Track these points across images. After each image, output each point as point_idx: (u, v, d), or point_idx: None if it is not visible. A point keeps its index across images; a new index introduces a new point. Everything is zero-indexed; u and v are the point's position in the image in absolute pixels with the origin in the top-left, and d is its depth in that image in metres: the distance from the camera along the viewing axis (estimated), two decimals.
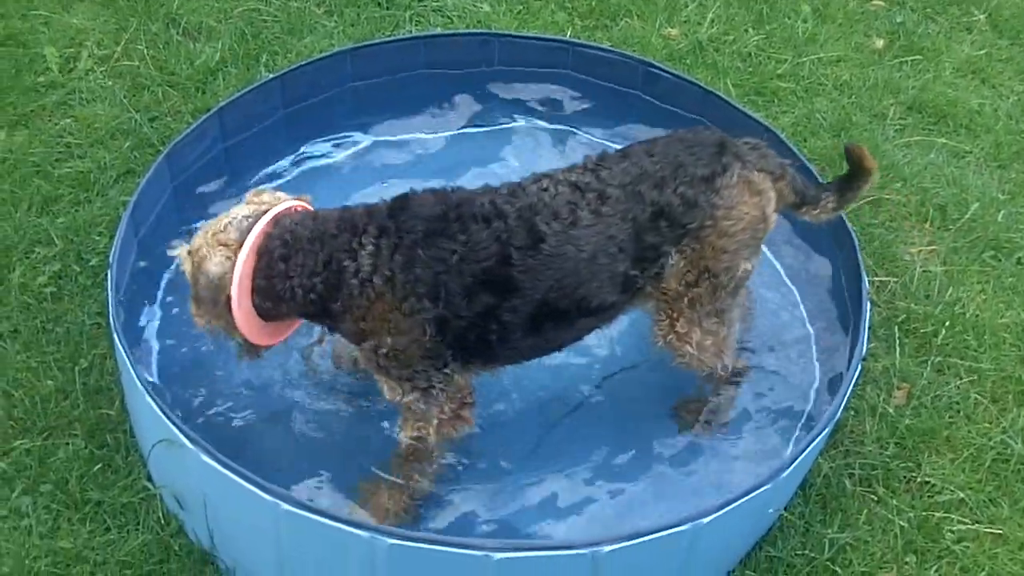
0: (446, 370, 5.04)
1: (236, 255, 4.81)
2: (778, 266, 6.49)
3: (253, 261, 4.85)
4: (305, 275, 4.84)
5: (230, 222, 4.89)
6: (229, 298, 4.83)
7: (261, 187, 5.19)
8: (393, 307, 4.85)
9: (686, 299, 5.20)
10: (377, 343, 4.93)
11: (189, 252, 4.95)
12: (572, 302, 5.01)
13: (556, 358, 5.62)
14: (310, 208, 5.09)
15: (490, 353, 5.12)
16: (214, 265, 4.81)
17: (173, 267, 6.08)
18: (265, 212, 4.91)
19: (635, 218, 4.98)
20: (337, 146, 6.91)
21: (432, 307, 4.85)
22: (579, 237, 4.92)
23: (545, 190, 4.98)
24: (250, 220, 4.88)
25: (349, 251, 4.85)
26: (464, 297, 4.87)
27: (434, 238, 4.84)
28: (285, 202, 5.02)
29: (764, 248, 6.32)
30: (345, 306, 4.89)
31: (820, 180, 5.91)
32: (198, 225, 5.15)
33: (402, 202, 4.96)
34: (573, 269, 4.93)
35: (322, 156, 6.85)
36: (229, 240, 4.84)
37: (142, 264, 5.82)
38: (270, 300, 4.93)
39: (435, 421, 5.19)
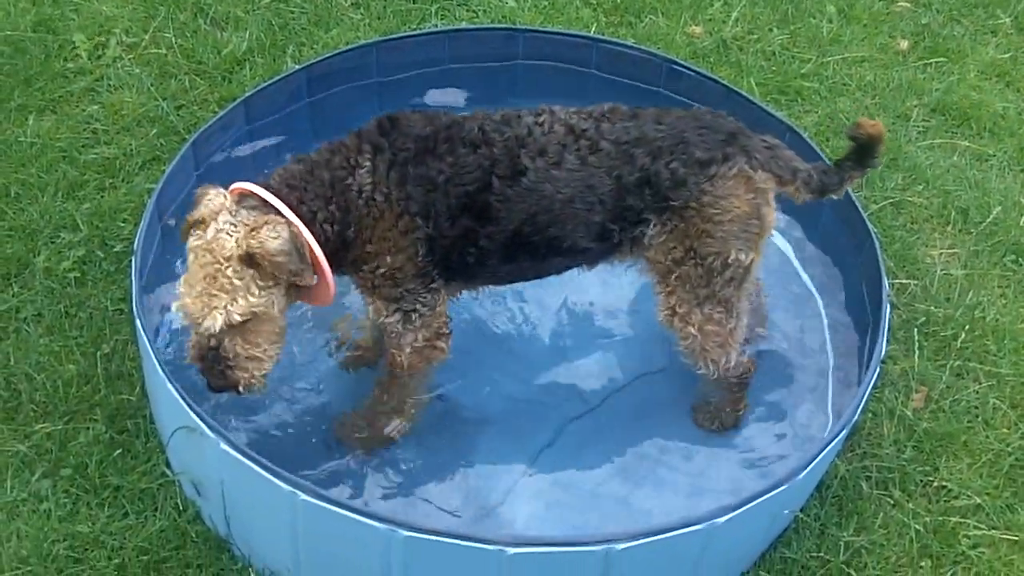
0: (433, 286, 5.12)
1: (270, 223, 4.67)
2: (797, 265, 6.50)
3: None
4: (322, 205, 4.85)
5: (217, 220, 4.75)
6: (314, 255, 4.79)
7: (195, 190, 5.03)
8: (392, 225, 4.91)
9: (675, 275, 5.24)
10: (377, 263, 4.99)
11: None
12: (544, 239, 5.10)
13: (576, 357, 5.65)
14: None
15: (469, 274, 5.22)
16: (273, 240, 4.63)
17: None
18: (234, 191, 4.87)
19: (620, 177, 5.05)
20: None
21: (423, 225, 4.94)
22: (559, 178, 4.99)
23: (540, 124, 5.04)
24: (229, 200, 4.82)
25: (347, 167, 4.91)
26: (448, 218, 4.96)
27: (424, 156, 4.92)
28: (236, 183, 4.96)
29: (783, 246, 6.38)
30: (356, 230, 4.93)
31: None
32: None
33: (392, 121, 5.02)
34: (548, 207, 5.01)
35: None
36: (247, 221, 4.71)
37: (166, 251, 5.84)
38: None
39: (408, 348, 5.24)
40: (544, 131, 5.02)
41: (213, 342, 4.71)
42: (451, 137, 4.96)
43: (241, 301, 4.62)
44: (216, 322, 4.61)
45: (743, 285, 5.34)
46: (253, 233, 4.59)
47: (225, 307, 4.61)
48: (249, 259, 4.59)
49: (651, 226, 5.13)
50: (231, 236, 4.62)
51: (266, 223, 4.61)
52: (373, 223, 4.90)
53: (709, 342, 5.39)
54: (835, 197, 5.42)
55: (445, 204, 4.92)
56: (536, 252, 5.15)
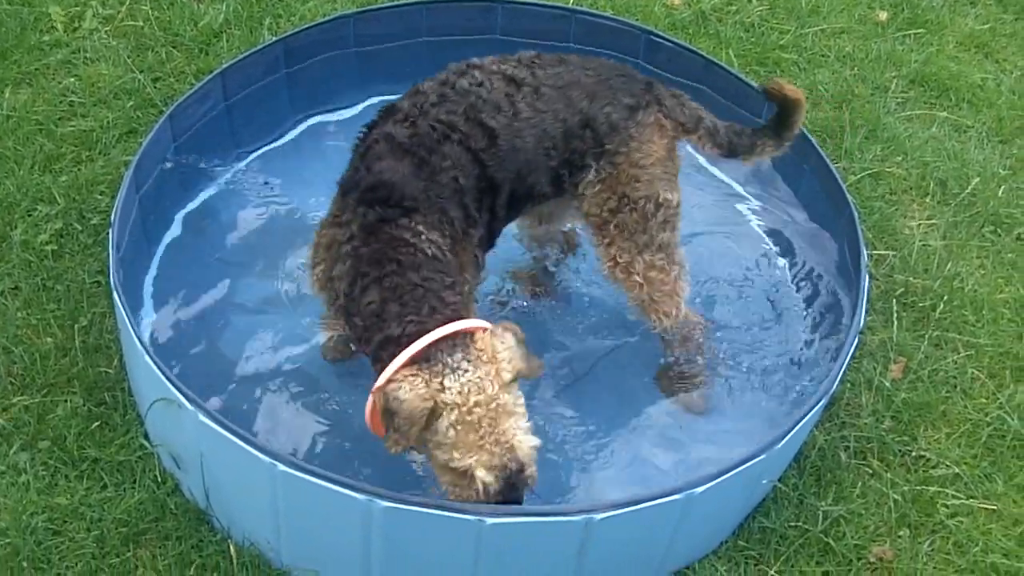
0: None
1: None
2: (772, 237, 6.53)
3: None
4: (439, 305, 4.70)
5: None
6: None
7: None
8: (466, 248, 4.94)
9: (613, 225, 5.32)
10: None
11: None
12: (525, 188, 5.15)
13: (560, 328, 5.69)
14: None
15: (489, 245, 5.25)
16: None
17: (173, 226, 6.12)
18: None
19: (566, 120, 5.12)
20: (338, 109, 6.93)
21: (475, 232, 4.97)
22: (522, 128, 5.02)
23: (480, 85, 5.02)
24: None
25: (408, 244, 4.71)
26: (478, 208, 4.97)
27: (435, 177, 4.83)
28: None
29: (759, 218, 6.42)
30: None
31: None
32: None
33: (377, 180, 4.81)
34: (524, 159, 5.05)
35: (323, 118, 6.87)
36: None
37: (143, 223, 5.83)
38: None
39: None
40: (488, 89, 5.02)
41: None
42: (425, 145, 4.87)
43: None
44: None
45: (677, 228, 5.43)
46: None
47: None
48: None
49: (591, 172, 5.22)
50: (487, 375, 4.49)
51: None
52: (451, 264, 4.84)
53: (656, 291, 5.44)
54: (746, 163, 5.60)
55: (472, 197, 4.93)
56: (519, 205, 5.22)
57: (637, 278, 5.39)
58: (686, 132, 5.35)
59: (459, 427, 4.38)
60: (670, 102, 5.31)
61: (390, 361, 4.45)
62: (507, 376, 4.46)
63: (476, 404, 4.38)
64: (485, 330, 4.54)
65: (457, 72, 5.10)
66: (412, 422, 4.35)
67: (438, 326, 4.45)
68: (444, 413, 4.37)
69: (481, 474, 4.42)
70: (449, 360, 4.42)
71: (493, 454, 4.42)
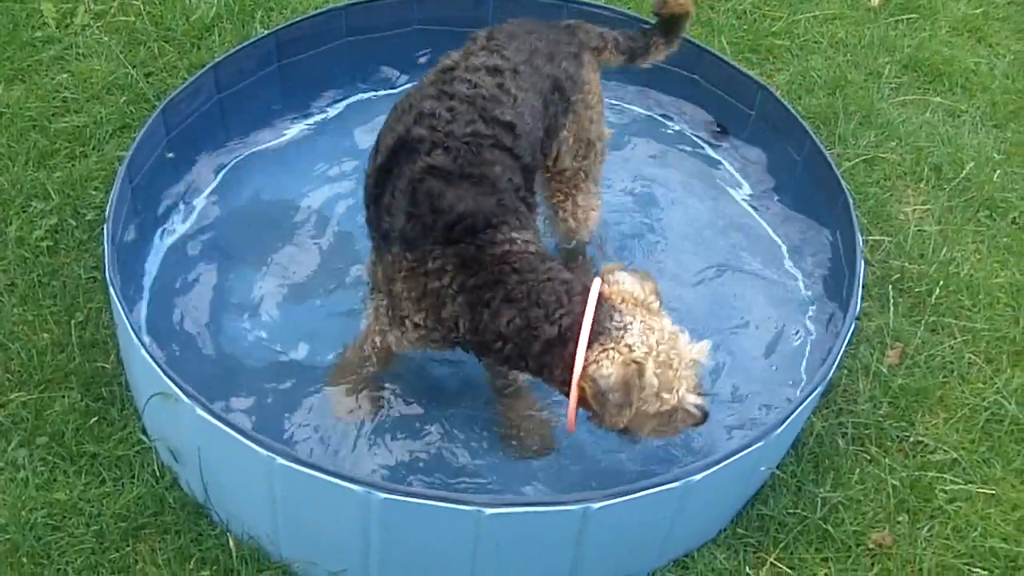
0: None
1: None
2: (768, 225, 6.52)
3: None
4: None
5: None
6: None
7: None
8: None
9: (581, 173, 5.53)
10: None
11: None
12: (534, 165, 5.17)
13: None
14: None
15: None
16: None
17: (168, 221, 6.11)
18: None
19: (542, 89, 5.18)
20: (332, 102, 6.93)
21: (535, 218, 5.05)
22: (523, 112, 5.03)
23: (475, 86, 4.98)
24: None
25: (513, 253, 4.70)
26: (529, 197, 4.99)
27: (496, 186, 4.78)
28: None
29: (754, 205, 6.42)
30: None
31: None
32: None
33: (454, 218, 4.70)
34: (533, 138, 5.08)
35: (317, 111, 6.87)
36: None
37: (137, 218, 5.83)
38: None
39: None
40: (487, 87, 5.00)
41: None
42: (470, 163, 4.79)
43: None
44: None
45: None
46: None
47: None
48: None
49: (564, 129, 5.39)
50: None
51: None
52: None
53: (591, 218, 5.73)
54: (643, 65, 5.80)
55: (524, 194, 4.93)
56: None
57: (580, 215, 5.63)
58: (599, 54, 5.59)
59: (659, 371, 4.48)
60: (585, 36, 5.56)
61: (563, 362, 4.53)
62: (655, 306, 4.66)
63: (659, 343, 4.51)
64: (604, 285, 4.64)
65: (442, 80, 5.04)
66: (628, 390, 4.43)
67: (582, 306, 4.51)
68: (647, 367, 4.45)
69: (691, 400, 4.61)
70: (614, 324, 4.51)
71: (689, 378, 4.59)
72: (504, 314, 4.58)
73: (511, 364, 4.77)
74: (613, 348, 4.46)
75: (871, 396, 5.76)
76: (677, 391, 4.55)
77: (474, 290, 4.62)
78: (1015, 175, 7.03)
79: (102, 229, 5.46)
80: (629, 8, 7.35)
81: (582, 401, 4.54)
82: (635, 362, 4.43)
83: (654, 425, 4.68)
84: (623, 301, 4.58)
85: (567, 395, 4.54)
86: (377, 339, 5.20)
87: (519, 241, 4.67)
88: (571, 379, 4.48)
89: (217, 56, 6.55)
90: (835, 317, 5.85)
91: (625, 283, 4.64)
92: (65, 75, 6.99)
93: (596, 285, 4.58)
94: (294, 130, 6.75)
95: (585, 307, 4.50)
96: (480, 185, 4.71)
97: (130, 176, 5.65)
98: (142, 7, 7.42)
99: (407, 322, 4.86)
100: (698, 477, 4.58)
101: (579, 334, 4.46)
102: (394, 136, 4.89)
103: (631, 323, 4.51)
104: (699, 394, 4.64)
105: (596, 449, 5.43)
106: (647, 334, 4.51)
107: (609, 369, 4.42)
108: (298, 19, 6.67)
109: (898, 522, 5.33)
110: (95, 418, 5.35)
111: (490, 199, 4.69)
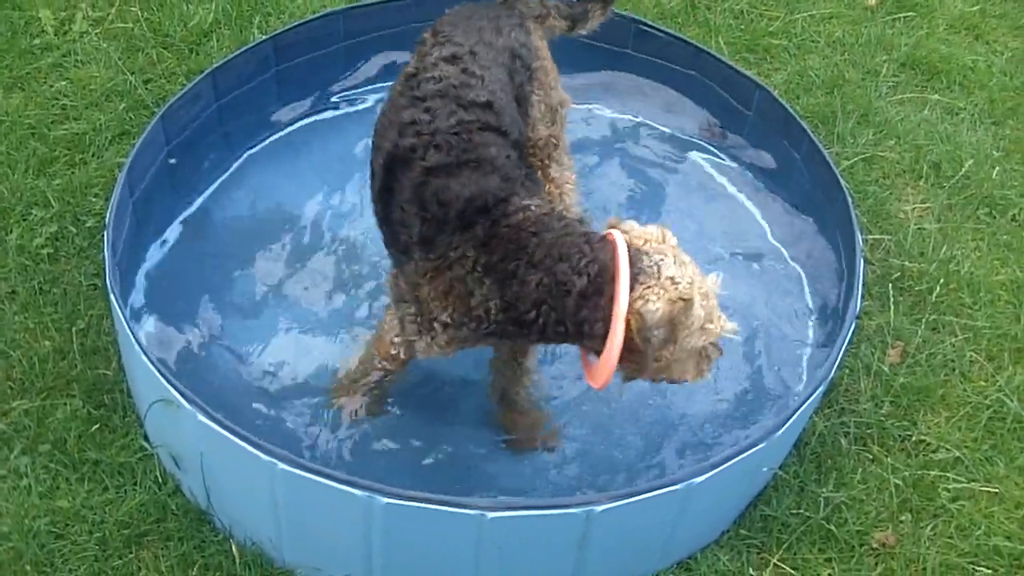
0: None
1: None
2: (767, 225, 6.52)
3: None
4: None
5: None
6: None
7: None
8: None
9: (552, 140, 5.56)
10: None
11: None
12: (522, 137, 5.21)
13: None
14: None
15: None
16: None
17: (168, 227, 6.11)
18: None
19: (504, 62, 5.21)
20: (332, 105, 6.93)
21: None
22: (495, 89, 5.03)
23: (440, 80, 4.95)
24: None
25: (529, 219, 4.69)
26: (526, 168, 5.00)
27: (495, 164, 4.78)
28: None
29: (753, 205, 6.42)
30: None
31: None
32: None
33: (464, 204, 4.70)
34: (511, 113, 5.08)
35: (316, 115, 6.88)
36: None
37: (137, 225, 5.83)
38: None
39: None
40: (454, 76, 4.98)
41: None
42: (464, 151, 4.79)
43: None
44: None
45: None
46: None
47: None
48: None
49: (533, 95, 5.42)
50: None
51: None
52: None
53: (567, 192, 5.75)
54: (582, 32, 5.84)
55: (522, 166, 4.93)
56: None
57: (556, 190, 5.65)
58: (543, 20, 5.64)
59: (703, 303, 4.46)
60: (525, 7, 5.61)
61: (600, 312, 4.46)
62: (674, 241, 4.60)
63: (694, 275, 4.50)
64: (620, 232, 4.62)
65: (409, 88, 5.01)
66: (675, 323, 4.40)
67: (605, 252, 4.50)
68: (695, 299, 4.43)
69: (729, 328, 4.61)
70: (646, 263, 4.46)
71: (719, 306, 4.60)
72: (531, 278, 4.51)
73: (548, 335, 4.66)
74: (656, 284, 4.41)
75: (873, 395, 5.76)
76: (720, 320, 4.57)
77: (498, 266, 4.57)
78: (1014, 172, 7.03)
79: (102, 236, 5.47)
80: (625, 10, 7.35)
81: (624, 351, 4.45)
82: (682, 296, 4.40)
83: (692, 363, 4.65)
84: (646, 242, 4.56)
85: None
86: (400, 349, 5.15)
87: (532, 207, 4.64)
88: (609, 330, 4.41)
89: (215, 61, 6.56)
90: (835, 316, 5.84)
91: (638, 228, 4.62)
92: (64, 82, 7.00)
93: (617, 233, 4.57)
94: (293, 134, 6.75)
95: (608, 254, 4.47)
96: (480, 168, 4.70)
97: (130, 183, 5.65)
98: (140, 14, 7.43)
99: (436, 324, 4.80)
100: (701, 479, 4.59)
101: (612, 280, 4.41)
102: (384, 154, 4.89)
103: (663, 260, 4.46)
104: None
105: (599, 451, 5.44)
106: (683, 268, 4.48)
107: (656, 304, 4.36)
108: (296, 23, 6.67)
109: (901, 521, 5.33)
110: (97, 425, 5.35)
111: (492, 177, 4.68)
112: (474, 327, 4.73)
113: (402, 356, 5.18)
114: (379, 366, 5.28)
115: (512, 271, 4.54)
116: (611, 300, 4.39)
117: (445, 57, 5.06)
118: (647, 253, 4.48)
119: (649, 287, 4.39)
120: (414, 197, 4.72)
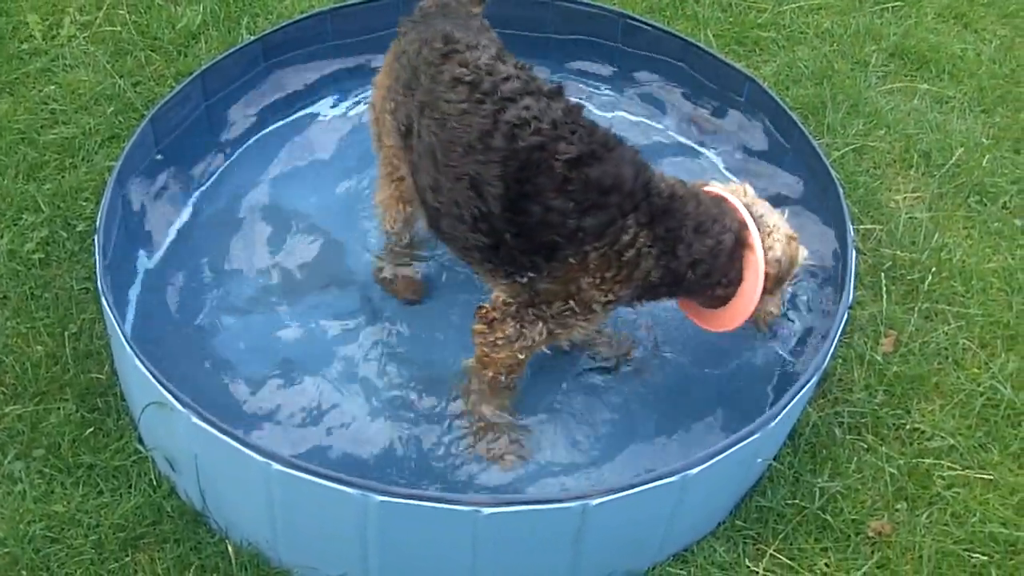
0: None
1: None
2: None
3: None
4: None
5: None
6: None
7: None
8: None
9: None
10: None
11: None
12: None
13: None
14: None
15: None
16: None
17: (159, 230, 6.10)
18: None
19: (483, 30, 5.30)
20: (321, 105, 6.92)
21: None
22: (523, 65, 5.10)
23: (513, 77, 4.89)
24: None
25: (674, 194, 4.97)
26: None
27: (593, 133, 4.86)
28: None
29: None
30: None
31: None
32: None
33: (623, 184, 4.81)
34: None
35: (305, 115, 6.87)
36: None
37: (128, 228, 5.83)
38: None
39: None
40: (509, 72, 4.92)
41: None
42: (587, 141, 4.80)
43: None
44: None
45: None
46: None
47: None
48: None
49: None
50: None
51: None
52: None
53: None
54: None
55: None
56: None
57: None
58: (480, 3, 5.56)
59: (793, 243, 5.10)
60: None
61: (739, 263, 5.01)
62: (752, 192, 5.22)
63: (779, 218, 5.13)
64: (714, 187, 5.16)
65: (475, 93, 4.86)
66: (792, 263, 5.10)
67: (726, 211, 5.00)
68: (797, 238, 5.12)
69: (804, 254, 5.24)
70: (755, 215, 5.04)
71: None
72: (696, 242, 4.88)
73: (697, 291, 5.12)
74: (771, 232, 5.00)
75: (866, 385, 5.77)
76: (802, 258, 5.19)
77: (668, 235, 4.86)
78: (1004, 160, 7.03)
79: (93, 240, 5.47)
80: (613, 4, 7.36)
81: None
82: (791, 237, 5.06)
83: (776, 300, 5.37)
84: (735, 196, 5.06)
85: (724, 303, 5.14)
86: (526, 353, 5.19)
87: (666, 178, 4.96)
88: (744, 278, 5.01)
89: (204, 63, 6.55)
90: (828, 306, 5.84)
91: (728, 186, 5.18)
92: (52, 87, 7.00)
93: (727, 193, 5.07)
94: (282, 135, 6.74)
95: (728, 211, 4.99)
96: (611, 149, 4.83)
97: (120, 186, 5.65)
98: (128, 17, 7.43)
99: (595, 306, 4.99)
100: (695, 471, 4.59)
101: (746, 234, 4.96)
102: (496, 167, 4.76)
103: (761, 210, 5.06)
104: None
105: (592, 445, 5.45)
106: (773, 214, 5.10)
107: (785, 245, 5.01)
108: (284, 23, 6.67)
109: (897, 510, 5.33)
110: (91, 429, 5.35)
111: (624, 156, 4.84)
112: (633, 294, 5.03)
113: (525, 358, 5.27)
114: (506, 381, 5.35)
115: (679, 237, 4.87)
116: (751, 250, 4.95)
117: (494, 56, 5.01)
118: (745, 208, 4.98)
119: (768, 234, 4.98)
120: (564, 195, 4.72)
